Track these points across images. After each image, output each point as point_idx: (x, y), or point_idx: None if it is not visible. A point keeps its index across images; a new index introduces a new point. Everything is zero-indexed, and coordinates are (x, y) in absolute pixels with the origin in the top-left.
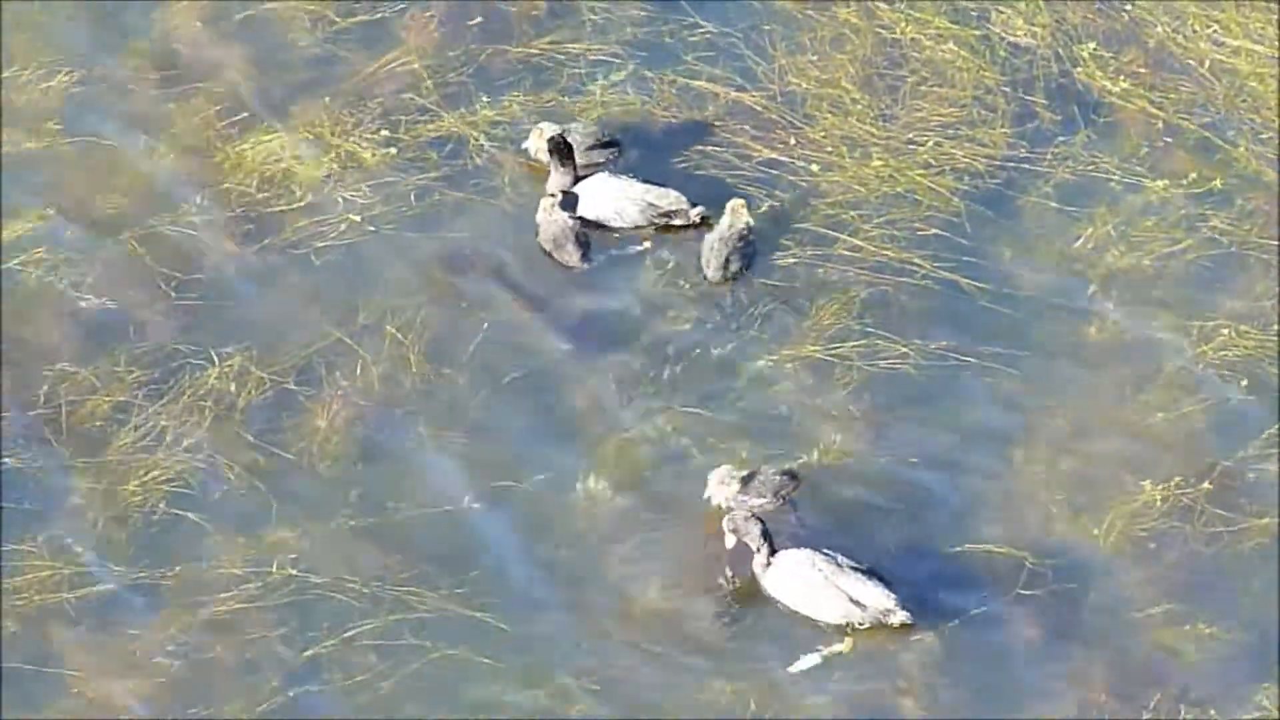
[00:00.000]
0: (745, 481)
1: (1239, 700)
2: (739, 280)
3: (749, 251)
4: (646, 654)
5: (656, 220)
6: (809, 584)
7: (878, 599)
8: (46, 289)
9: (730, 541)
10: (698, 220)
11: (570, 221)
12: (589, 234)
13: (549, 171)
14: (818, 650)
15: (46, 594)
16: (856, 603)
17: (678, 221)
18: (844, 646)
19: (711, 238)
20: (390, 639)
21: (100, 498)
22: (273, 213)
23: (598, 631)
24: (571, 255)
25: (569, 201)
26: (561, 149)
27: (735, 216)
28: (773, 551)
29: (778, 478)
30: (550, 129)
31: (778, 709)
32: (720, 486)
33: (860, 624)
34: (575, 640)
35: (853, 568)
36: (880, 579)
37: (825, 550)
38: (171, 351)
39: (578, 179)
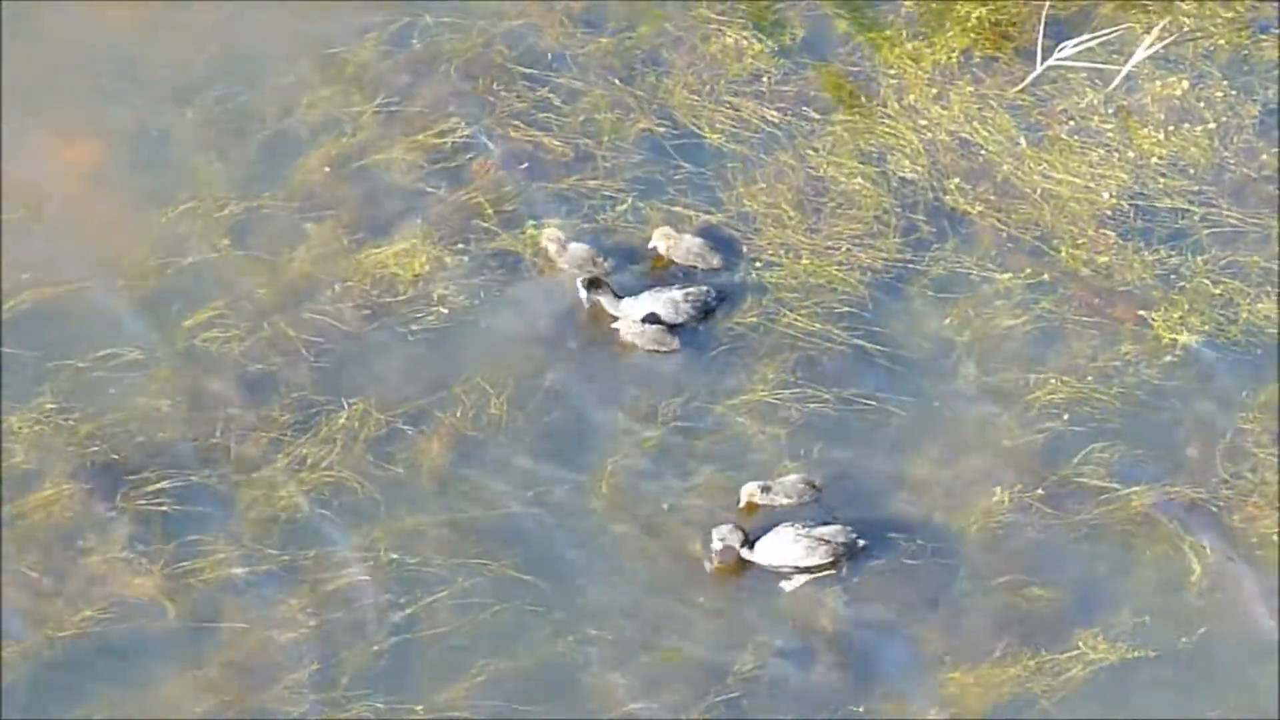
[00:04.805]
0: (765, 489)
1: (1063, 642)
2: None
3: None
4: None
5: (701, 311)
6: (796, 544)
7: (841, 534)
8: (223, 356)
9: (717, 546)
10: (716, 302)
11: (659, 327)
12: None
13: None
14: (802, 576)
15: (219, 570)
16: (827, 541)
17: (713, 306)
18: (832, 570)
19: (684, 248)
20: (463, 599)
21: (260, 502)
22: (383, 301)
23: (614, 590)
24: (673, 344)
25: (649, 317)
26: (595, 284)
27: (666, 239)
28: (750, 544)
29: (800, 485)
30: (555, 231)
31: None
32: (750, 496)
33: (836, 556)
34: (600, 594)
35: (819, 523)
36: (839, 523)
37: (796, 523)
38: (311, 400)
39: (616, 295)
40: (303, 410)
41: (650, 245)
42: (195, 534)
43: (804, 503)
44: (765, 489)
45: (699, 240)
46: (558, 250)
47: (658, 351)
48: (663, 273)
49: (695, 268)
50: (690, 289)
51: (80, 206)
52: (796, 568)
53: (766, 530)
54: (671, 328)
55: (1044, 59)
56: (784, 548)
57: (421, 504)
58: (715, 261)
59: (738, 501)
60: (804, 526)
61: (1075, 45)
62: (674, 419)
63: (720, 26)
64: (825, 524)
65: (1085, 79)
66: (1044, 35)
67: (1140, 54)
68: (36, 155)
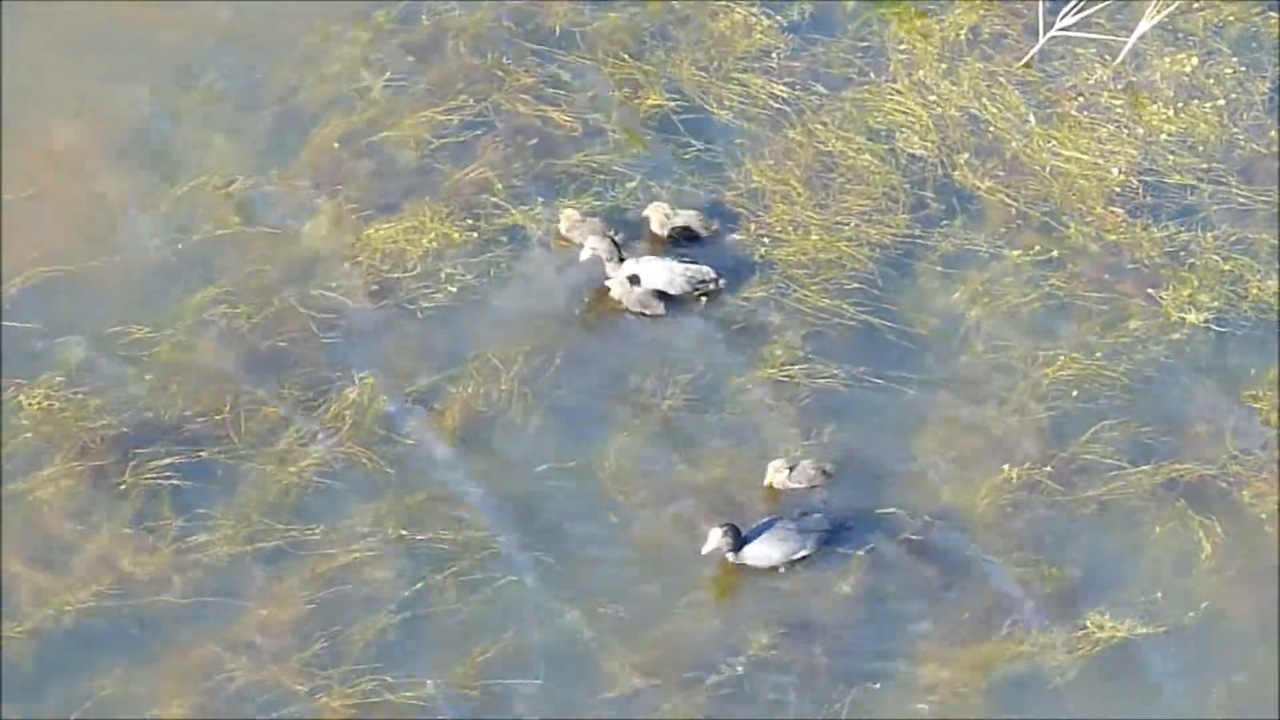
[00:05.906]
0: (791, 469)
1: (1071, 620)
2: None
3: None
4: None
5: (697, 288)
6: (788, 540)
7: (824, 521)
8: (233, 331)
9: (720, 545)
10: (722, 285)
11: (643, 289)
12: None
13: (587, 249)
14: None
15: (228, 546)
16: (813, 531)
17: (710, 288)
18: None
19: (680, 220)
20: (471, 575)
21: (269, 476)
22: (392, 277)
23: (622, 567)
24: (658, 308)
25: (633, 279)
26: (614, 247)
27: (658, 212)
28: (739, 546)
29: (813, 470)
30: (572, 213)
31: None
32: (775, 474)
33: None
34: (608, 570)
35: (800, 514)
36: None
37: (786, 522)
38: (320, 376)
39: (620, 256)
40: (312, 386)
41: (644, 214)
42: (203, 509)
43: (813, 487)
44: (791, 468)
45: (691, 211)
46: (569, 227)
47: (643, 314)
48: (659, 249)
49: (697, 239)
50: (690, 267)
51: (88, 183)
52: (788, 564)
53: (756, 533)
54: (667, 298)
55: (1046, 33)
56: (770, 548)
57: (430, 479)
58: (712, 226)
59: (763, 480)
60: (791, 522)
61: (1075, 13)
62: (684, 395)
63: (729, 2)
64: (805, 514)
65: (1094, 55)
66: (1050, 10)
67: (1144, 25)
68: (44, 131)
